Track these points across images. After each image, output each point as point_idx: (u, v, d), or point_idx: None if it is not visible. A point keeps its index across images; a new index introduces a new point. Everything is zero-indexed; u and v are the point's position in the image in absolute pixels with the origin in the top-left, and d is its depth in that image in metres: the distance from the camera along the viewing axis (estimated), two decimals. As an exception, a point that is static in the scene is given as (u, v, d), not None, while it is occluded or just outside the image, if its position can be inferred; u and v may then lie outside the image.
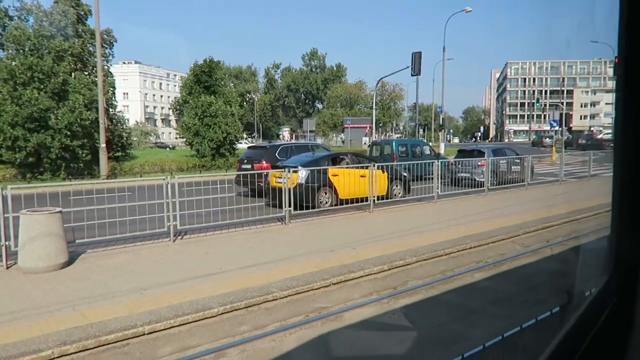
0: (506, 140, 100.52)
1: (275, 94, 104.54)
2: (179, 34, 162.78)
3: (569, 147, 53.90)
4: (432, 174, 18.47)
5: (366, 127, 55.80)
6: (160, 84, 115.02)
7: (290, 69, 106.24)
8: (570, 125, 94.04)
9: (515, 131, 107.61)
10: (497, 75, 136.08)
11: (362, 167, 12.91)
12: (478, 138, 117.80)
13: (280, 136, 74.03)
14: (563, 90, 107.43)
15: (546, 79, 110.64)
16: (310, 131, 44.30)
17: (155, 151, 51.37)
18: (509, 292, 6.40)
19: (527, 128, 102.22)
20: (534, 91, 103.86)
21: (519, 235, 9.23)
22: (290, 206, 10.38)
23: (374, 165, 12.22)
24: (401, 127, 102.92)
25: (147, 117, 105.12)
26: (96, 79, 28.64)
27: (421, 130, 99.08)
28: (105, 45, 32.19)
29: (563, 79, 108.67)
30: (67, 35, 30.05)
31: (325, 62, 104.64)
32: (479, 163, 17.22)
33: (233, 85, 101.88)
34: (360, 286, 6.41)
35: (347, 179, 12.50)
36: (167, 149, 60.58)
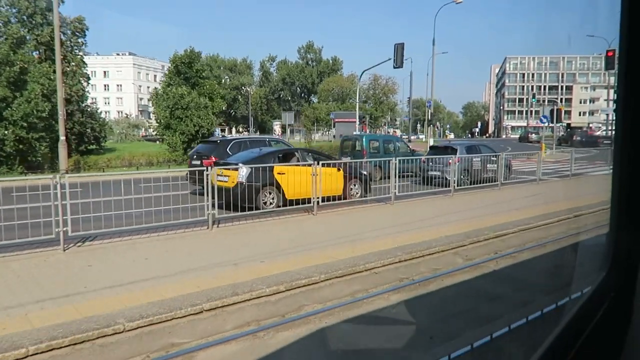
0: (503, 137, 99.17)
1: (270, 87, 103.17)
2: (174, 25, 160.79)
3: (564, 144, 52.80)
4: (408, 172, 17.51)
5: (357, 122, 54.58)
6: (155, 75, 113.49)
7: (286, 61, 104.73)
8: (567, 121, 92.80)
9: (512, 127, 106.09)
10: (497, 70, 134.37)
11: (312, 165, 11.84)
12: (475, 134, 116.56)
13: (273, 130, 72.59)
14: (562, 86, 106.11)
15: (545, 74, 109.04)
16: (289, 125, 42.98)
17: (140, 144, 50.32)
18: (423, 322, 5.27)
19: (525, 124, 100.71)
20: (532, 87, 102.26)
21: (465, 246, 8.10)
22: (214, 209, 9.26)
23: (317, 163, 11.08)
24: (398, 122, 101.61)
25: (140, 109, 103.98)
26: (64, 69, 27.53)
27: (418, 125, 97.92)
28: (78, 34, 30.99)
29: (562, 74, 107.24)
30: (34, 23, 28.88)
31: (322, 55, 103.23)
32: (450, 161, 16.12)
33: (227, 78, 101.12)
34: (241, 313, 5.29)
35: (295, 178, 11.39)
36: (157, 142, 59.35)
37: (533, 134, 59.16)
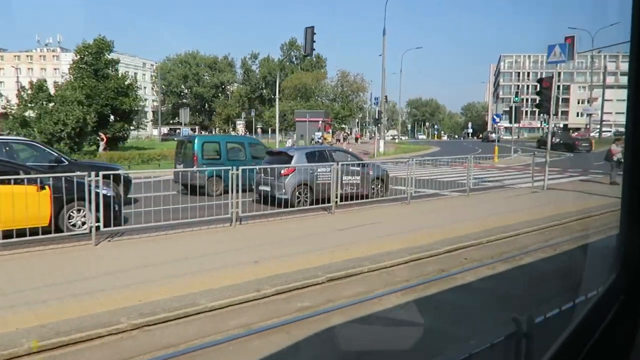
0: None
1: (251, 85, 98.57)
2: (158, 21, 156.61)
3: (543, 147, 47.98)
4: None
5: (319, 122, 50.04)
6: (136, 73, 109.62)
7: (269, 59, 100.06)
8: (564, 121, 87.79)
9: (505, 128, 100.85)
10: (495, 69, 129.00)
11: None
12: (469, 135, 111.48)
13: (236, 129, 67.87)
14: (559, 85, 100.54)
15: (541, 73, 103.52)
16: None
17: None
18: None
19: (516, 125, 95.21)
20: (528, 86, 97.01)
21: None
22: None
23: None
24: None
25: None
26: None
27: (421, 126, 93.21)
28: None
29: (559, 73, 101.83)
30: None
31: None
32: (281, 172, 11.67)
33: (206, 76, 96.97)
34: None
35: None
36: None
37: (493, 134, 58.56)
